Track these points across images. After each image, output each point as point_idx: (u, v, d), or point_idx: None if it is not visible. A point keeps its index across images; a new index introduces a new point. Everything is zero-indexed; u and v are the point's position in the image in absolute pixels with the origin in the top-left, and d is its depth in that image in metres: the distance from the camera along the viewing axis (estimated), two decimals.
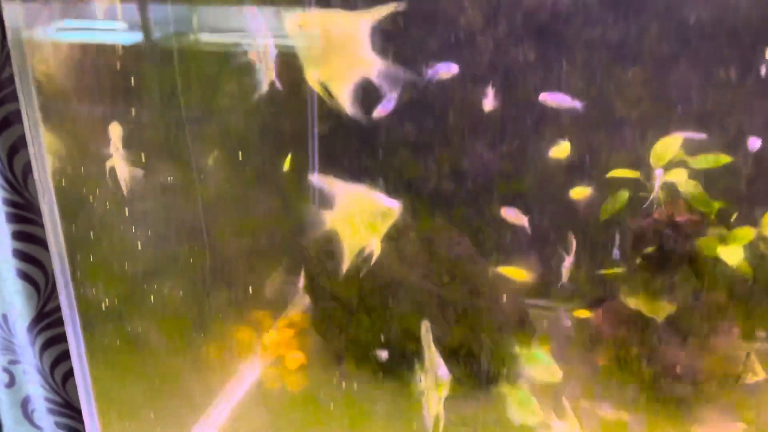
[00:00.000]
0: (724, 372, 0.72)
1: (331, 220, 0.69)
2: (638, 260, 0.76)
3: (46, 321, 1.18)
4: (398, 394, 0.86)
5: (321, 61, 0.65)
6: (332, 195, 0.70)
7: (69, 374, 1.23)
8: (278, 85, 0.76)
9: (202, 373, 0.86)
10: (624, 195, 0.73)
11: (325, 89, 0.68)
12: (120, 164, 0.82)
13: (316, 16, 0.65)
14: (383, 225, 0.67)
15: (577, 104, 0.83)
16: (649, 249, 0.74)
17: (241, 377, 0.86)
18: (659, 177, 0.69)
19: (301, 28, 0.65)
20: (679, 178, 0.68)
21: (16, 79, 0.90)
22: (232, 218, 0.88)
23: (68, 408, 1.25)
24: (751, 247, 0.69)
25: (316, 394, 0.82)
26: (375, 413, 0.83)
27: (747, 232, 0.68)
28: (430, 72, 0.89)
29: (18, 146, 1.08)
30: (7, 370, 1.29)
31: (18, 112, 1.07)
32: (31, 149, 0.84)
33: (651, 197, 0.71)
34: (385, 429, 0.81)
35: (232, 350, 0.87)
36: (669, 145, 0.68)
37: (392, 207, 0.67)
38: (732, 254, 0.65)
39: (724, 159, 0.73)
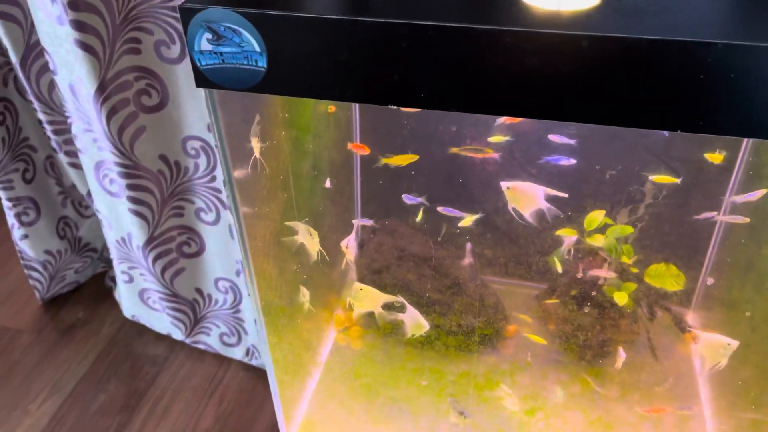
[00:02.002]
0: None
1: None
2: (567, 297, 1.09)
3: (156, 242, 1.55)
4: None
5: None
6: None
7: (175, 275, 1.63)
8: None
9: (317, 329, 1.24)
10: (562, 250, 1.04)
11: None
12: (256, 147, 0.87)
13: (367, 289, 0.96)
14: (420, 330, 1.01)
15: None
16: (573, 291, 1.07)
17: (328, 335, 1.25)
18: (568, 243, 1.02)
19: (361, 291, 0.94)
20: (598, 241, 1.00)
21: None
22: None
23: (176, 297, 1.67)
24: (636, 292, 1.05)
25: (370, 350, 1.19)
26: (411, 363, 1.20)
27: (631, 285, 1.02)
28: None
29: (124, 126, 1.36)
30: (126, 273, 1.69)
31: (123, 100, 1.35)
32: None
33: (565, 255, 1.03)
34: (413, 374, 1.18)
35: (325, 319, 1.26)
36: (595, 216, 0.99)
37: (424, 324, 1.00)
38: (621, 297, 0.98)
39: (628, 229, 0.97)
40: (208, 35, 0.57)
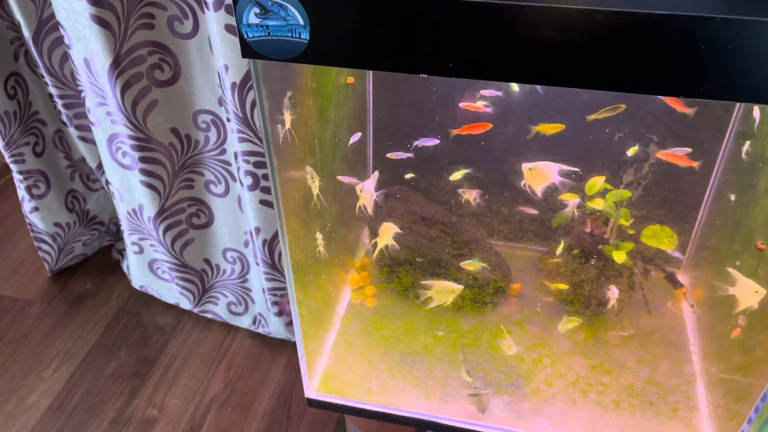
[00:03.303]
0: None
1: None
2: (570, 255, 1.17)
3: (166, 213, 1.60)
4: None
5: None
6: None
7: (184, 246, 1.68)
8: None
9: (335, 289, 1.32)
10: (566, 214, 1.11)
11: None
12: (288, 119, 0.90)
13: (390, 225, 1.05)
14: (452, 296, 1.08)
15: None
16: (576, 251, 1.15)
17: (344, 294, 1.33)
18: (572, 205, 1.04)
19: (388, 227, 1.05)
20: (598, 204, 1.08)
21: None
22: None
23: (185, 267, 1.72)
24: (633, 251, 1.14)
25: (384, 307, 1.26)
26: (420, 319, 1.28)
27: (629, 245, 1.06)
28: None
29: (138, 100, 1.41)
30: (137, 244, 1.74)
31: (137, 74, 1.39)
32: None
33: (569, 216, 1.10)
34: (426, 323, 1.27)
35: (341, 279, 1.33)
36: (596, 182, 1.00)
37: (457, 287, 1.07)
38: (619, 256, 1.06)
39: (627, 194, 1.03)
40: (256, 9, 0.63)
